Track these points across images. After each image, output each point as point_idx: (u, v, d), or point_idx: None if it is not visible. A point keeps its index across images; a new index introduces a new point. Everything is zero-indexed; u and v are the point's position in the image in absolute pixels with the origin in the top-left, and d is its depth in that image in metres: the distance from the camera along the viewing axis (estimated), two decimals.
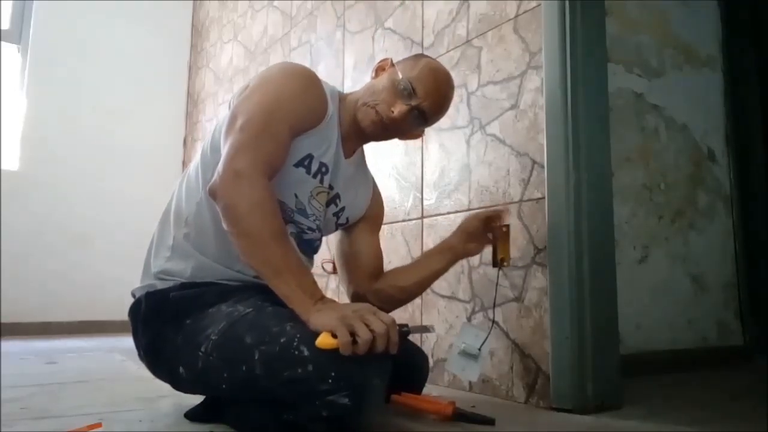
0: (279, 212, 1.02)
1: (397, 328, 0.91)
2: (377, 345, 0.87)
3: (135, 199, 3.34)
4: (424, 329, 1.14)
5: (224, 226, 1.01)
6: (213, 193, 1.01)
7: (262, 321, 0.97)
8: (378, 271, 1.32)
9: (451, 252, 1.31)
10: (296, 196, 1.14)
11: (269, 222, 0.98)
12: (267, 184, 1.01)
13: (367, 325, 0.87)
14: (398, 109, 1.15)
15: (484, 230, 1.30)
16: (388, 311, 1.09)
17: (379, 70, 1.26)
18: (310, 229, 1.18)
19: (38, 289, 3.07)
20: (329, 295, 1.17)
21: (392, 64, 1.23)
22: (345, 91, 1.32)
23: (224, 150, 1.03)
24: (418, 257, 1.41)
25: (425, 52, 1.73)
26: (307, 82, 1.13)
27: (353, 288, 1.31)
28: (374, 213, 1.35)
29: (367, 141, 1.27)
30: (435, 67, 1.22)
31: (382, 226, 1.84)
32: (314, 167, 1.14)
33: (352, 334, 0.86)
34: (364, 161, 1.35)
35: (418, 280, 1.31)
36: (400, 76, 1.17)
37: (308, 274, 1.01)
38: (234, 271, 1.11)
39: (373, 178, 1.37)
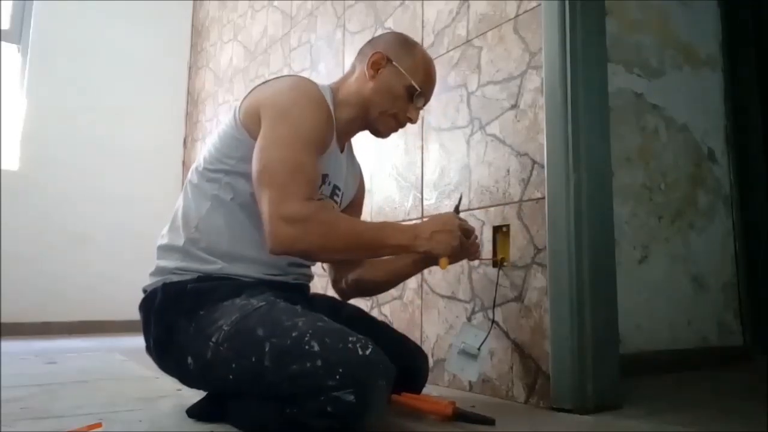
0: (341, 216, 1.17)
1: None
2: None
3: (135, 199, 3.34)
4: (457, 207, 1.27)
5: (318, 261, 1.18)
6: (280, 250, 1.03)
7: (274, 315, 0.99)
8: None
9: (420, 263, 1.31)
10: None
11: (346, 233, 1.07)
12: (316, 206, 1.05)
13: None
14: (415, 114, 1.27)
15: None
16: (357, 296, 1.37)
17: (375, 65, 1.23)
18: None
19: (38, 289, 3.07)
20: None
21: (388, 59, 1.23)
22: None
23: (263, 203, 1.03)
24: (393, 258, 1.39)
25: None
26: (323, 110, 1.14)
27: (334, 271, 1.37)
28: (359, 198, 1.42)
29: (357, 132, 1.31)
30: (431, 61, 1.30)
31: None
32: (318, 180, 1.16)
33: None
34: (351, 147, 1.38)
35: (387, 278, 1.36)
36: (412, 82, 1.22)
37: (389, 226, 1.17)
38: (246, 273, 1.13)
39: (358, 163, 1.42)
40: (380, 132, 1.28)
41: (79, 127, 3.34)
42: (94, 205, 3.29)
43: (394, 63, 1.23)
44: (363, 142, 1.49)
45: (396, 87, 1.23)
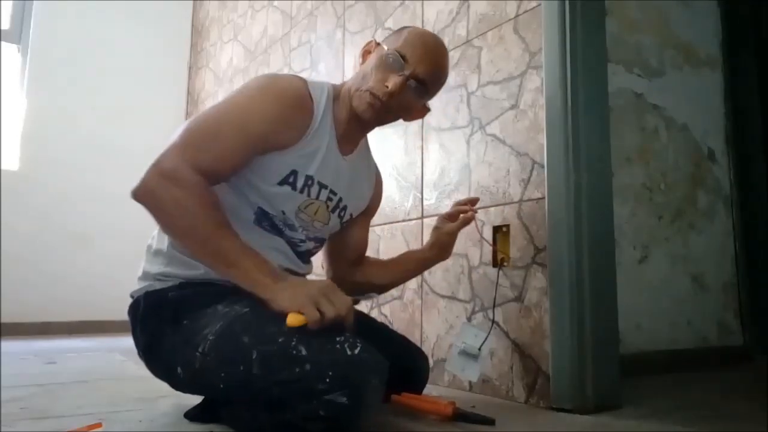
0: (213, 204, 1.00)
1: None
2: (340, 321, 0.92)
3: None
4: (368, 297, 1.18)
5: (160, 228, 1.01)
6: (137, 195, 0.99)
7: (259, 321, 0.96)
8: (360, 257, 1.36)
9: (427, 262, 1.38)
10: (283, 212, 1.13)
11: (202, 217, 0.97)
12: (197, 180, 0.98)
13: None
14: (392, 82, 1.10)
15: (453, 240, 1.35)
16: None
17: (365, 54, 1.21)
18: (301, 241, 1.18)
19: (38, 289, 3.07)
20: None
21: (377, 44, 1.19)
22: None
23: (163, 147, 1.01)
24: (396, 258, 1.42)
25: None
26: (282, 104, 1.07)
27: (333, 273, 1.35)
28: (373, 204, 1.37)
29: (370, 128, 1.23)
30: (421, 32, 1.19)
31: (383, 226, 1.85)
32: (300, 183, 1.12)
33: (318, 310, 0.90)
34: (367, 151, 1.31)
35: (392, 282, 1.40)
36: (387, 48, 1.14)
37: (257, 256, 1.00)
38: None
39: (375, 166, 1.35)
40: (359, 112, 1.14)
41: (79, 127, 3.34)
42: (94, 205, 3.28)
43: (380, 44, 1.17)
44: None
45: (375, 62, 1.14)
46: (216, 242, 0.97)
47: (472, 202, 1.38)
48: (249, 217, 1.11)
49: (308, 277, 1.27)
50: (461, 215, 1.33)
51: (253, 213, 1.12)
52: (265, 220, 1.12)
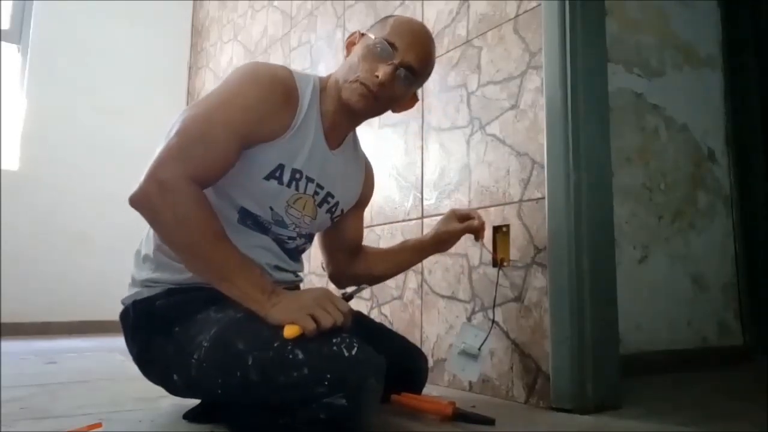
0: (211, 216, 0.98)
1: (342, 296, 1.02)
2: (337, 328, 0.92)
3: None
4: (360, 289, 1.16)
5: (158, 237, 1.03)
6: (135, 204, 0.98)
7: (253, 325, 0.95)
8: (357, 248, 1.37)
9: (425, 252, 1.41)
10: (272, 208, 1.11)
11: (201, 231, 0.96)
12: (194, 192, 0.97)
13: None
14: (382, 71, 1.08)
15: (454, 240, 1.37)
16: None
17: (350, 45, 1.18)
18: (290, 238, 1.17)
19: (38, 289, 3.07)
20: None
21: (362, 34, 1.17)
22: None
23: (159, 149, 0.99)
24: (395, 248, 1.43)
25: None
26: (268, 92, 1.05)
27: (332, 267, 1.36)
28: (365, 196, 1.35)
29: (359, 121, 1.21)
30: (407, 20, 1.18)
31: (383, 226, 1.85)
32: (287, 177, 1.10)
33: (314, 319, 0.90)
34: (356, 144, 1.29)
35: (391, 271, 1.42)
36: (374, 38, 1.12)
37: (253, 271, 0.99)
38: None
39: (364, 156, 1.34)
40: (350, 104, 1.11)
41: (79, 127, 3.34)
42: (94, 205, 3.28)
43: (365, 34, 1.15)
44: (362, 142, 1.49)
45: (362, 52, 1.11)
46: (212, 258, 0.97)
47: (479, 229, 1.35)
48: (232, 216, 1.09)
49: (302, 275, 1.28)
50: (471, 229, 1.33)
51: (236, 212, 1.10)
52: (248, 218, 1.11)
